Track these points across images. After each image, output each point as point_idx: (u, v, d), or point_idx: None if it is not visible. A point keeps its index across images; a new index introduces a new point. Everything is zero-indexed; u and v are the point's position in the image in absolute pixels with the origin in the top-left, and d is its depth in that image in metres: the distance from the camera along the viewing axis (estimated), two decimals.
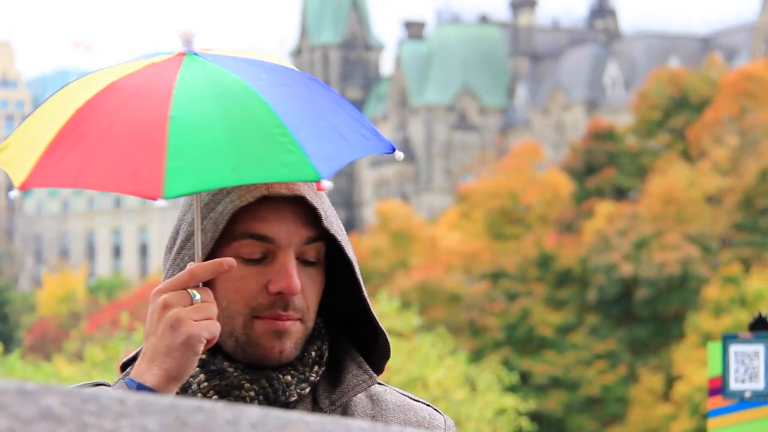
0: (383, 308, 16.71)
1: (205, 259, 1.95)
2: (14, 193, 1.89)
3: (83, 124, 1.90)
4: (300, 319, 2.00)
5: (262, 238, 1.97)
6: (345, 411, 2.07)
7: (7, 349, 25.28)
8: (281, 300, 1.98)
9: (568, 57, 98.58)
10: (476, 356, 37.57)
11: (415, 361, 15.98)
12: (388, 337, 2.10)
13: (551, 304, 56.25)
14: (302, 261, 2.00)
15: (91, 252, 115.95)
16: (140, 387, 1.88)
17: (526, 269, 57.49)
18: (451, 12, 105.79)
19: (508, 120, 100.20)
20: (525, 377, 52.11)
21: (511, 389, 28.17)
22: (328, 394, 2.05)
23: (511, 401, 17.08)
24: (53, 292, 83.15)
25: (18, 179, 1.86)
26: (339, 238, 2.01)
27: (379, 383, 2.11)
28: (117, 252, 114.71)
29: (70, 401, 1.14)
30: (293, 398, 2.01)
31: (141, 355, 1.92)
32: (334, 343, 2.09)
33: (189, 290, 1.89)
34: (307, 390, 2.03)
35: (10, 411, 1.11)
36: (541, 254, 57.76)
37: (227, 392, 1.99)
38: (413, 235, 66.10)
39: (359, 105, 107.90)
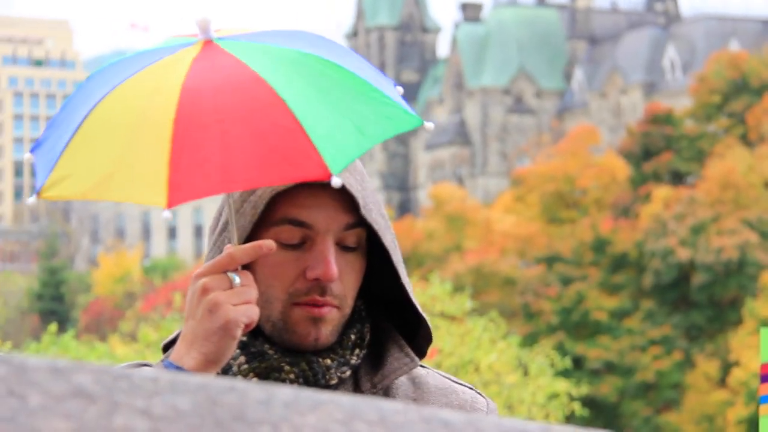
0: (435, 291, 16.61)
1: (244, 243, 1.96)
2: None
3: (193, 133, 1.87)
4: (337, 306, 2.00)
5: (300, 224, 1.97)
6: (387, 394, 2.07)
7: (64, 329, 25.44)
8: (318, 286, 1.98)
9: (626, 40, 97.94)
10: (530, 340, 37.43)
11: (468, 344, 15.89)
12: (429, 322, 2.09)
13: (606, 289, 56.03)
14: (342, 247, 2.00)
15: (146, 232, 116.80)
16: (180, 371, 1.87)
17: (582, 253, 57.27)
18: None
19: (565, 103, 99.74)
20: (579, 362, 51.96)
21: (564, 374, 28.06)
22: (369, 377, 2.06)
23: (563, 386, 16.92)
24: (109, 272, 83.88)
25: (159, 200, 1.84)
26: (376, 226, 1.99)
27: (421, 366, 2.11)
28: (172, 233, 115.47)
29: (102, 379, 1.14)
30: (333, 381, 2.02)
31: (180, 338, 1.92)
32: (376, 326, 2.09)
33: (228, 274, 1.89)
34: (348, 373, 2.04)
35: (42, 388, 1.12)
36: (596, 238, 57.53)
37: (267, 374, 2.01)
38: (468, 219, 66.05)
39: (415, 88, 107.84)
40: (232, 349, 1.89)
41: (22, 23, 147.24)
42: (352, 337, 2.04)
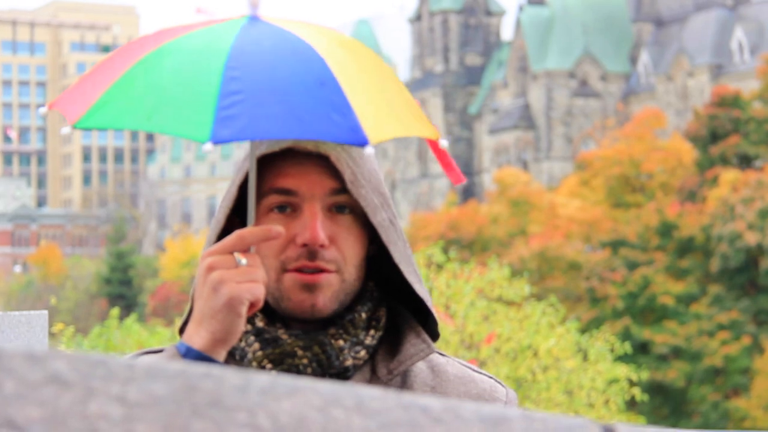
0: (494, 276, 16.56)
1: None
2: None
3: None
4: (336, 271, 2.00)
5: (285, 192, 2.01)
6: (405, 381, 2.07)
7: (132, 313, 25.63)
8: (308, 251, 1.99)
9: (693, 21, 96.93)
10: (595, 325, 37.22)
11: (526, 329, 15.82)
12: (429, 302, 2.08)
13: (673, 273, 55.61)
14: (335, 210, 2.02)
15: (212, 217, 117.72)
16: (188, 350, 1.91)
17: (648, 238, 56.87)
18: None
19: (631, 86, 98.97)
20: (646, 347, 51.61)
21: (630, 359, 27.83)
22: (386, 363, 2.05)
23: (623, 371, 16.80)
24: (176, 256, 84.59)
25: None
26: (363, 202, 2.01)
27: (441, 354, 2.12)
28: None
29: (79, 366, 1.14)
30: (348, 362, 2.02)
31: (191, 318, 1.94)
32: (393, 312, 2.09)
33: (235, 254, 1.91)
34: (362, 353, 2.03)
35: (17, 375, 1.12)
36: (662, 222, 57.09)
37: (281, 360, 2.02)
38: (532, 203, 65.83)
39: (479, 71, 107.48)
40: (239, 328, 1.89)
41: (89, 9, 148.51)
42: (363, 315, 2.04)
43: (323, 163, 2.01)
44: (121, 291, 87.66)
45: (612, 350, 17.13)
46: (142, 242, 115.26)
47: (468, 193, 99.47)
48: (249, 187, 1.97)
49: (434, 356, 2.12)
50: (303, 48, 1.95)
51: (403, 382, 2.07)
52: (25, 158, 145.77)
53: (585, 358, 16.92)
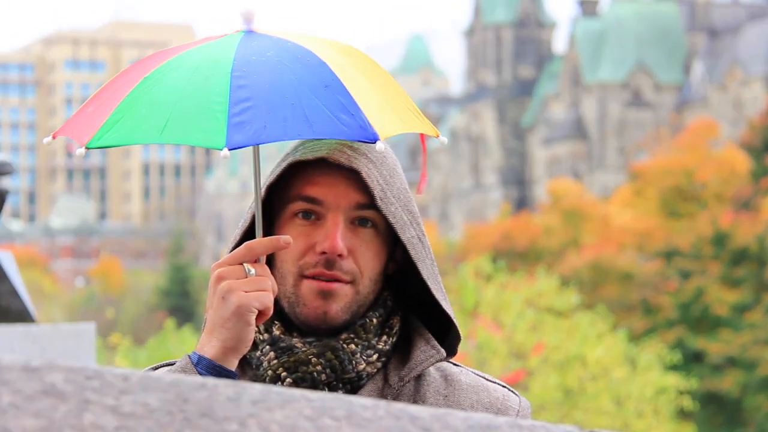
0: (542, 286, 16.73)
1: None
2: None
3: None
4: (351, 282, 2.03)
5: (311, 200, 2.03)
6: (418, 389, 2.07)
7: (189, 325, 25.98)
8: (326, 260, 2.01)
9: (747, 32, 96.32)
10: (649, 335, 37.18)
11: (575, 339, 15.91)
12: (454, 319, 2.11)
13: (727, 283, 55.22)
14: (357, 224, 2.04)
15: None
16: (200, 359, 1.93)
17: (701, 247, 56.53)
18: None
19: (684, 97, 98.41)
20: (699, 356, 51.34)
21: (682, 368, 27.75)
22: (397, 371, 2.07)
23: (672, 380, 16.87)
24: None
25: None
26: (392, 218, 2.03)
27: (455, 364, 2.13)
28: None
29: (74, 378, 1.16)
30: (361, 366, 2.03)
31: (204, 328, 1.97)
32: (408, 323, 2.11)
33: (245, 265, 1.93)
34: (374, 357, 2.05)
35: (13, 387, 1.13)
36: (716, 232, 56.73)
37: (296, 368, 2.02)
38: (585, 214, 65.56)
39: (531, 83, 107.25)
40: (249, 336, 1.92)
41: (148, 28, 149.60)
42: (375, 320, 2.06)
43: (353, 176, 2.03)
44: (180, 303, 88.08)
45: (661, 360, 17.19)
46: (199, 255, 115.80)
47: (521, 204, 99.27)
48: (255, 198, 2.00)
49: (448, 366, 2.13)
50: (304, 54, 1.98)
51: (416, 391, 2.08)
52: (86, 174, 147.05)
53: (634, 367, 16.98)
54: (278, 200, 2.06)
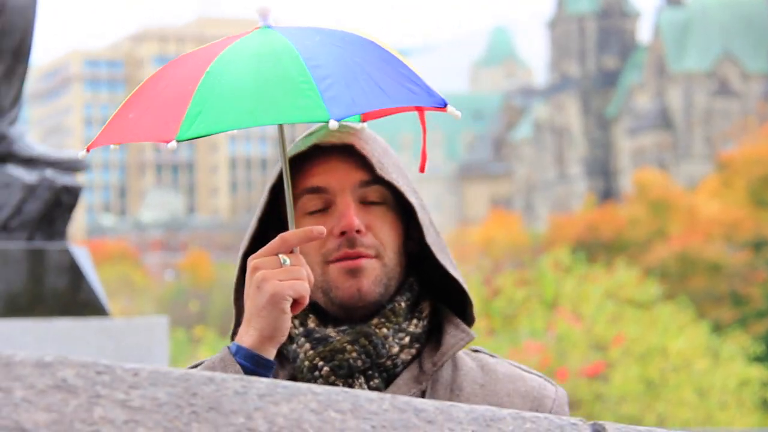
0: (622, 278, 16.65)
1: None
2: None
3: (144, 89, 2.03)
4: (376, 257, 2.07)
5: (317, 190, 2.08)
6: (454, 378, 2.12)
7: None
8: (347, 240, 2.05)
9: None
10: (739, 326, 36.72)
11: (656, 330, 15.80)
12: (464, 284, 2.14)
13: None
14: (366, 203, 2.08)
15: None
16: (239, 349, 1.96)
17: None
18: None
19: None
20: None
21: (759, 359, 27.45)
22: (431, 357, 2.10)
23: (756, 372, 16.69)
24: None
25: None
26: (396, 183, 2.08)
27: (491, 355, 2.17)
28: None
29: (85, 373, 1.20)
30: (394, 349, 2.07)
31: (243, 320, 2.00)
32: (437, 311, 2.15)
33: (279, 256, 1.96)
34: (406, 339, 2.09)
35: (26, 382, 1.18)
36: None
37: (332, 357, 2.05)
38: (672, 204, 64.92)
39: (615, 74, 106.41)
40: (285, 324, 1.94)
41: (233, 24, 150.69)
42: (403, 304, 2.09)
43: (348, 157, 2.08)
44: None
45: (744, 351, 17.02)
46: None
47: (606, 195, 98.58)
48: (285, 190, 2.03)
49: (484, 356, 2.17)
50: (350, 36, 2.03)
51: (453, 380, 2.12)
52: (175, 169, 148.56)
53: (716, 358, 16.83)
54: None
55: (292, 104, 1.92)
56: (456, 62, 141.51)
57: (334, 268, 2.06)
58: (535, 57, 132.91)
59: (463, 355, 2.16)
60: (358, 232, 2.06)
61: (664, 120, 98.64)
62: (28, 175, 5.54)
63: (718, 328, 27.32)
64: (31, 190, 5.54)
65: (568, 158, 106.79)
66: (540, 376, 2.16)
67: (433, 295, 2.17)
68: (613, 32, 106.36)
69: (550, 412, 2.12)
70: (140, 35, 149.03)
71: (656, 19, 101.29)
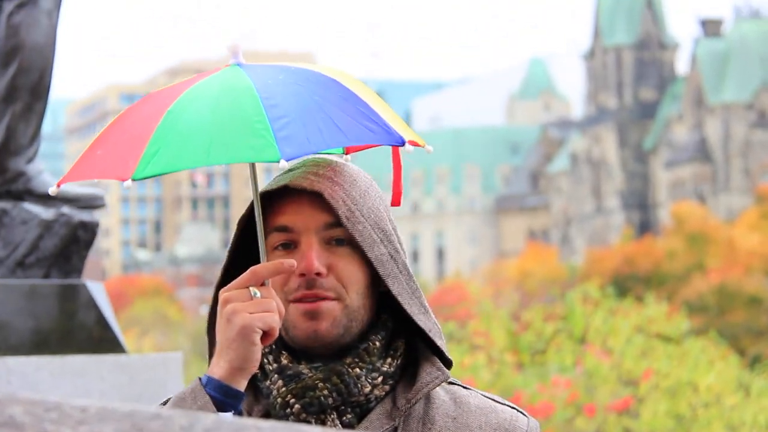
0: (651, 312, 16.58)
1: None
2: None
3: (113, 126, 2.08)
4: (336, 299, 2.08)
5: (283, 229, 2.10)
6: (427, 412, 2.12)
7: None
8: (306, 281, 2.07)
9: None
10: None
11: (686, 365, 15.69)
12: (430, 333, 2.14)
13: None
14: (334, 242, 2.10)
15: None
16: (209, 380, 1.99)
17: None
18: (751, 8, 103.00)
19: None
20: None
21: None
22: (405, 394, 2.12)
23: None
24: None
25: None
26: (359, 237, 2.09)
27: (465, 387, 2.18)
28: (415, 256, 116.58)
29: (33, 410, 1.22)
30: (366, 389, 2.09)
31: (215, 351, 2.03)
32: (414, 347, 2.17)
33: (251, 288, 1.99)
34: (379, 379, 2.10)
35: None
36: None
37: (303, 394, 2.07)
38: (710, 237, 64.60)
39: (653, 105, 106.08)
40: (255, 355, 1.97)
41: (270, 57, 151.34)
42: (377, 343, 2.11)
43: (318, 200, 2.10)
44: None
45: None
46: None
47: (644, 227, 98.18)
48: (257, 224, 2.05)
49: (457, 389, 2.17)
50: (312, 74, 2.06)
51: (426, 413, 2.12)
52: (210, 203, 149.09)
53: (747, 394, 16.70)
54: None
55: (245, 144, 1.95)
56: (493, 95, 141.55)
57: (294, 308, 2.09)
58: (572, 89, 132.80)
59: (437, 388, 2.17)
60: (318, 274, 2.07)
61: (702, 152, 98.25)
62: (44, 212, 5.61)
63: (757, 362, 27.10)
64: (47, 226, 5.60)
65: (605, 191, 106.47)
66: (512, 407, 2.17)
67: (411, 332, 2.18)
68: (650, 63, 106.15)
69: None
70: (176, 69, 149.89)
71: (694, 50, 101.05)
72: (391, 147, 2.14)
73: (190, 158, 1.96)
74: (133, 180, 1.97)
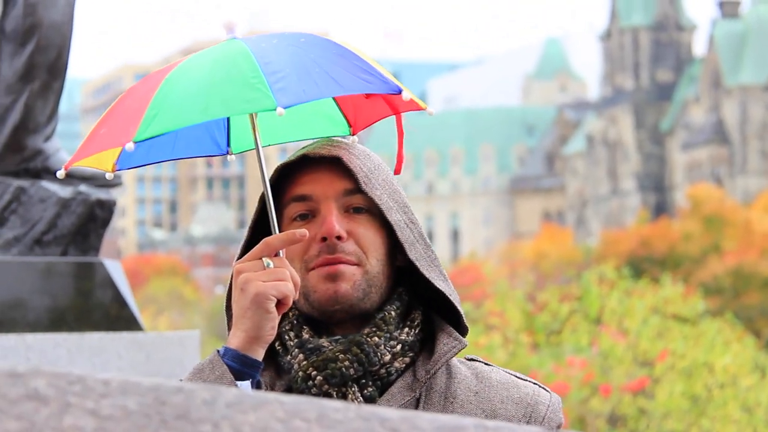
0: (667, 293, 16.58)
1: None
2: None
3: (114, 106, 2.13)
4: (356, 264, 2.11)
5: (302, 198, 2.13)
6: (449, 386, 2.15)
7: None
8: (327, 246, 2.10)
9: None
10: None
11: (701, 346, 15.71)
12: (450, 296, 2.16)
13: None
14: (351, 210, 2.13)
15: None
16: (226, 350, 2.02)
17: None
18: None
19: None
20: None
21: None
22: (424, 365, 2.14)
23: None
24: None
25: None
26: (378, 200, 2.12)
27: (486, 363, 2.20)
28: (430, 237, 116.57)
29: (57, 383, 1.22)
30: (386, 357, 2.10)
31: (232, 323, 2.06)
32: (431, 320, 2.19)
33: (263, 258, 2.02)
34: (398, 348, 2.12)
35: None
36: None
37: (324, 366, 2.08)
38: (726, 219, 64.47)
39: (670, 87, 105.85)
40: (270, 323, 2.00)
41: None
42: (393, 313, 2.13)
43: (336, 167, 2.13)
44: None
45: None
46: None
47: (660, 209, 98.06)
48: (266, 197, 2.09)
49: (479, 365, 2.20)
50: (307, 36, 2.11)
51: (448, 388, 2.14)
52: (225, 183, 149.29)
53: (763, 375, 16.72)
54: (277, 210, 2.15)
55: (242, 97, 1.99)
56: (508, 75, 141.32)
57: (314, 274, 2.11)
58: (589, 70, 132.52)
59: (458, 364, 2.19)
60: (338, 238, 2.10)
61: (719, 134, 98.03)
62: (62, 190, 5.63)
63: (763, 345, 27.10)
64: (65, 204, 5.62)
65: (621, 172, 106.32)
66: (534, 383, 2.18)
67: (427, 306, 2.19)
68: (667, 45, 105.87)
69: (544, 419, 2.15)
70: (191, 48, 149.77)
71: (711, 31, 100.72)
72: (395, 117, 2.20)
73: (189, 115, 2.00)
74: (135, 142, 1.99)
